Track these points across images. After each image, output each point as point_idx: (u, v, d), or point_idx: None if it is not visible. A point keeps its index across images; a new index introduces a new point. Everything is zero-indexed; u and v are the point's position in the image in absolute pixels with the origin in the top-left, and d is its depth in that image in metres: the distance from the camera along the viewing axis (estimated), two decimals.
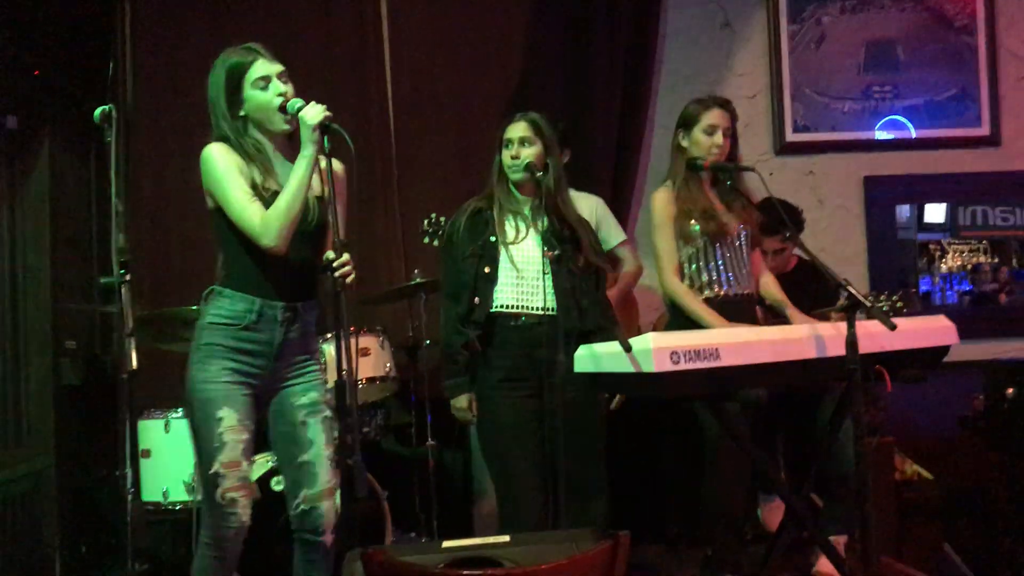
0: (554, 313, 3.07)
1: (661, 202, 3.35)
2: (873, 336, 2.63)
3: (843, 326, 2.60)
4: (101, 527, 3.94)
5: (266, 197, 2.57)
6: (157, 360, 3.69)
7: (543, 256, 3.10)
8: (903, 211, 4.89)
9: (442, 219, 3.78)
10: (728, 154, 3.34)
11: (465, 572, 2.25)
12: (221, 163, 2.57)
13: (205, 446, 2.57)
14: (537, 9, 4.71)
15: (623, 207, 4.57)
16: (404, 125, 4.64)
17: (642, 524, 4.03)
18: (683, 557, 3.81)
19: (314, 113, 2.51)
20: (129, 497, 3.14)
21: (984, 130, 4.87)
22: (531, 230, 3.16)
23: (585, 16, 4.68)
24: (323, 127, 2.50)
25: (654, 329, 4.16)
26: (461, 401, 3.16)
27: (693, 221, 3.28)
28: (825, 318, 3.68)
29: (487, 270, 3.13)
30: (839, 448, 3.14)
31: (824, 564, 3.34)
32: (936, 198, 4.89)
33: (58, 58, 4.04)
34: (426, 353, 3.98)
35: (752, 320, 3.36)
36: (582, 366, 2.63)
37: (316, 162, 2.55)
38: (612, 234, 4.05)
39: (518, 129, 3.18)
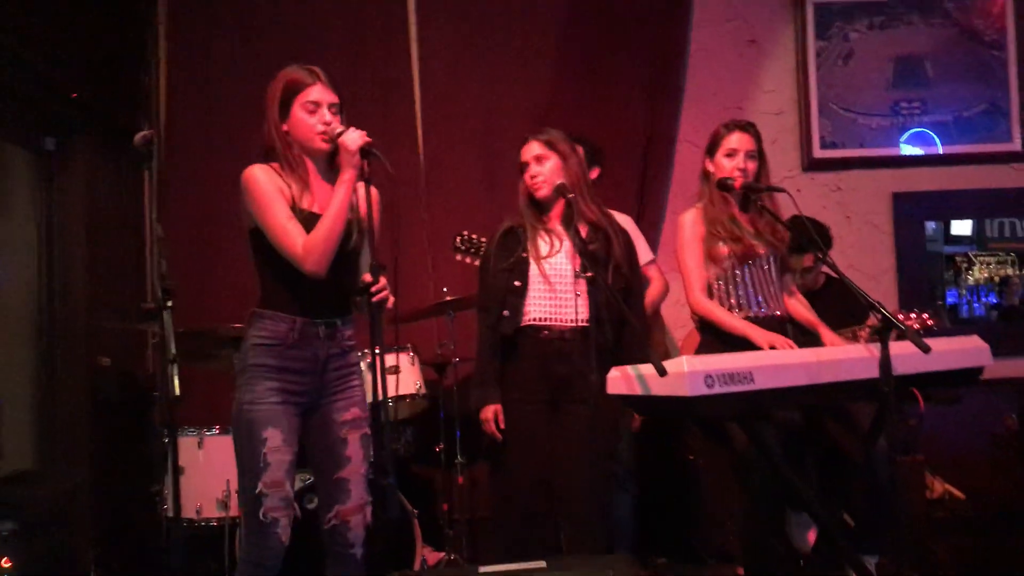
0: (586, 326, 3.10)
1: (689, 222, 3.36)
2: (907, 358, 2.63)
3: (875, 347, 2.60)
4: (135, 543, 3.97)
5: (303, 216, 2.61)
6: (190, 378, 3.73)
7: (576, 271, 3.13)
8: (930, 224, 4.88)
9: (474, 236, 3.81)
10: (756, 174, 3.35)
11: None
12: (262, 185, 2.61)
13: (249, 466, 2.60)
14: (563, 27, 4.74)
15: (650, 223, 4.59)
16: (432, 144, 4.68)
17: (673, 542, 4.06)
18: None
19: (354, 138, 2.56)
20: (167, 515, 3.18)
21: (1015, 145, 4.85)
22: (563, 244, 3.20)
23: (611, 33, 4.70)
24: (363, 152, 2.55)
25: (682, 348, 4.18)
26: (488, 412, 3.20)
27: (721, 242, 3.29)
28: (854, 336, 3.69)
29: (517, 283, 3.18)
30: (872, 467, 3.13)
31: None
32: (966, 213, 4.88)
33: (94, 80, 4.10)
34: (455, 370, 4.00)
35: None
36: (615, 387, 2.65)
37: (355, 186, 2.59)
38: (640, 253, 4.05)
39: (531, 149, 3.25)
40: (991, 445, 3.86)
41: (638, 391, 2.54)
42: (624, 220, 4.07)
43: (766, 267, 3.32)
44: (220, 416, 3.50)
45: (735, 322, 3.19)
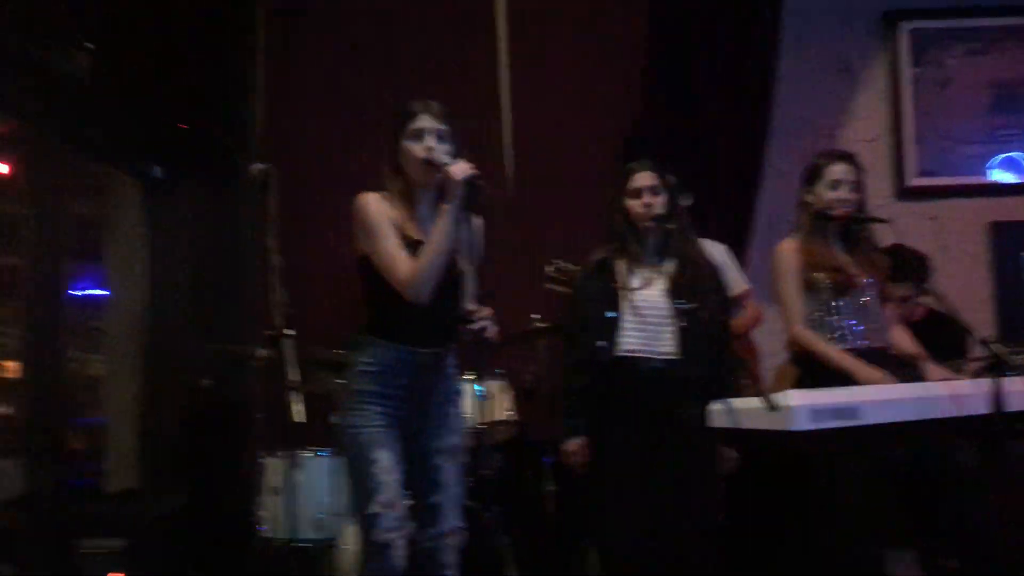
0: (679, 358, 3.09)
1: (787, 253, 3.32)
2: (1017, 394, 2.57)
3: (984, 383, 2.55)
4: (233, 563, 4.06)
5: (409, 244, 2.68)
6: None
7: (670, 304, 3.12)
8: None
9: (568, 264, 3.83)
10: (856, 205, 3.30)
11: None
12: (373, 213, 2.68)
13: (363, 487, 2.64)
14: (652, 54, 4.76)
15: (741, 251, 4.56)
16: (522, 171, 4.73)
17: None
18: None
19: (460, 169, 2.62)
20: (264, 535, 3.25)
21: None
22: (657, 276, 3.20)
23: (699, 60, 4.71)
24: (468, 183, 2.60)
25: (776, 377, 4.13)
26: (572, 444, 3.20)
27: (820, 273, 3.25)
28: (957, 371, 3.60)
29: (611, 315, 3.17)
30: (977, 508, 3.05)
31: None
32: None
33: (199, 110, 4.25)
34: (545, 398, 4.01)
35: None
36: (718, 421, 2.63)
37: (458, 216, 2.64)
38: (735, 282, 4.04)
39: (647, 178, 3.24)
40: None
41: (741, 424, 2.53)
42: (718, 249, 4.08)
43: (867, 298, 3.27)
44: (314, 439, 3.57)
45: (839, 357, 3.12)
